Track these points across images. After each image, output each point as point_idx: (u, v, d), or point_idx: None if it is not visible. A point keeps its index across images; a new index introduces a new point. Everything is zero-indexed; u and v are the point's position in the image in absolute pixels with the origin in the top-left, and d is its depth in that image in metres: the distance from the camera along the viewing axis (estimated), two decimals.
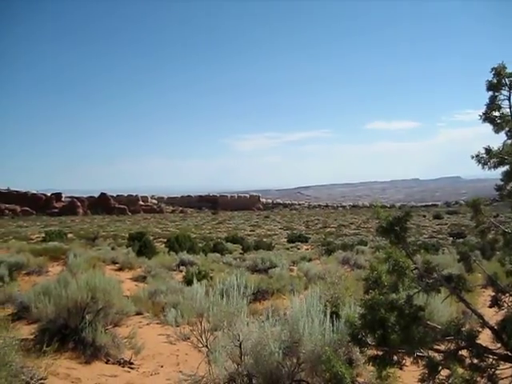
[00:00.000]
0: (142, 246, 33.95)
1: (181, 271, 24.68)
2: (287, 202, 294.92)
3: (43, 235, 58.06)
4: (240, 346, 5.99)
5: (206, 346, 6.43)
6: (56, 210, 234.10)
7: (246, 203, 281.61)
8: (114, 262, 26.24)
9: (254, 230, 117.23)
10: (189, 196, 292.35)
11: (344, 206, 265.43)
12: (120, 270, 24.34)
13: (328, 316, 6.00)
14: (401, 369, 5.62)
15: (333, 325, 5.97)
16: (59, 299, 8.31)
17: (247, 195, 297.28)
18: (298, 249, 61.79)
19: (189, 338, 10.16)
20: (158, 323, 12.51)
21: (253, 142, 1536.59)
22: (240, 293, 6.42)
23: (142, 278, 21.72)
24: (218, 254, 40.23)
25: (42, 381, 6.41)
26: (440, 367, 5.04)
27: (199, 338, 6.59)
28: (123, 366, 8.46)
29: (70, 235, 62.98)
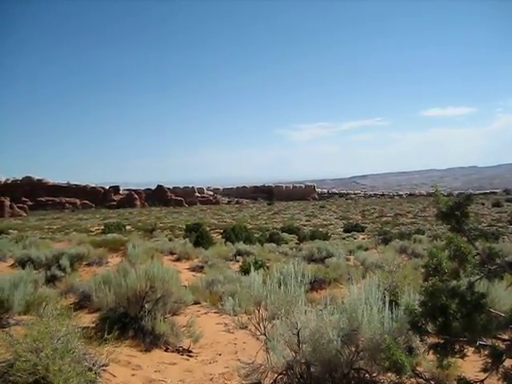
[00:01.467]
0: (198, 236, 34.25)
1: (237, 261, 24.80)
2: (343, 192, 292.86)
3: (102, 227, 59.21)
4: (298, 334, 5.97)
5: (264, 334, 6.42)
6: (114, 203, 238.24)
7: (301, 193, 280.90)
8: (172, 253, 26.55)
9: (309, 220, 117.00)
10: (244, 187, 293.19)
11: (400, 195, 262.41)
12: (177, 260, 24.62)
13: (387, 304, 5.92)
14: (462, 358, 5.48)
15: (391, 313, 5.88)
16: (119, 288, 8.44)
17: (302, 185, 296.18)
18: (355, 238, 61.38)
19: (246, 327, 10.25)
20: (215, 312, 12.61)
21: (307, 132, 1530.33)
22: (298, 281, 6.38)
23: (199, 268, 21.93)
24: (273, 244, 40.27)
25: (103, 367, 6.52)
26: (504, 356, 4.91)
27: (257, 326, 6.59)
28: (182, 354, 8.55)
29: (128, 227, 63.97)
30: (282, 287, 6.35)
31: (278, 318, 6.30)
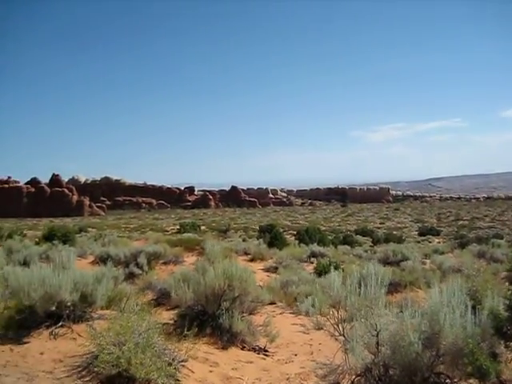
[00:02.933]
0: (272, 237, 34.33)
1: (311, 263, 24.75)
2: (417, 194, 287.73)
3: (178, 227, 60.10)
4: (377, 336, 5.90)
5: (343, 335, 6.38)
6: (189, 203, 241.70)
7: (375, 195, 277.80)
8: (246, 253, 26.76)
9: (383, 223, 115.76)
10: (318, 188, 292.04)
11: (477, 198, 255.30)
12: (252, 260, 24.78)
13: (469, 308, 5.78)
14: None
15: (474, 317, 5.74)
16: (198, 286, 8.56)
17: (376, 187, 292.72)
18: (430, 242, 60.36)
19: (322, 328, 10.21)
20: (290, 313, 12.62)
21: (381, 134, 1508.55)
22: (378, 282, 6.32)
23: (273, 269, 22.00)
24: (347, 247, 40.07)
25: (182, 363, 6.63)
26: None
27: (336, 327, 6.55)
28: (258, 353, 8.59)
29: (202, 227, 64.67)
30: (362, 288, 6.30)
31: (356, 319, 6.25)
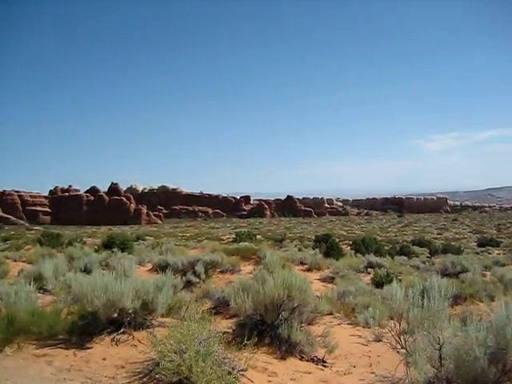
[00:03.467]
0: (328, 247, 34.17)
1: (368, 273, 24.54)
2: (476, 205, 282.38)
3: (234, 236, 60.31)
4: (440, 350, 5.80)
5: (405, 347, 6.30)
6: (245, 213, 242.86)
7: (432, 205, 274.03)
8: (303, 263, 26.67)
9: (441, 233, 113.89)
10: (374, 198, 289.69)
11: None
12: (308, 270, 24.71)
13: None
14: None
15: None
16: (257, 296, 8.57)
17: (434, 197, 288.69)
18: (489, 253, 59.09)
19: (381, 340, 10.11)
20: (348, 324, 12.51)
21: (439, 143, 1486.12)
22: (441, 295, 6.22)
23: (329, 279, 21.91)
24: (404, 257, 39.62)
25: (242, 372, 6.64)
26: None
27: (398, 339, 6.47)
28: (317, 364, 8.53)
29: (258, 236, 64.75)
30: (424, 301, 6.21)
31: (419, 332, 6.16)
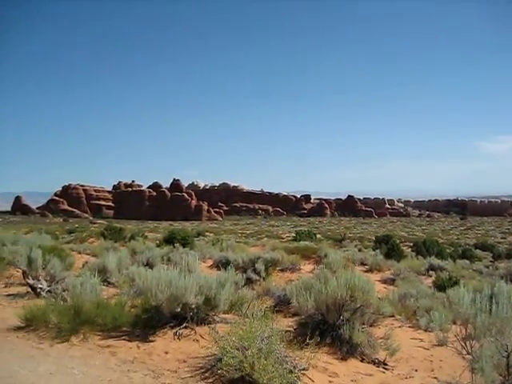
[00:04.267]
0: (389, 248, 33.77)
1: (429, 276, 24.14)
2: None
3: (293, 234, 60.25)
4: (507, 358, 5.66)
5: (471, 353, 6.16)
6: (305, 211, 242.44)
7: (496, 209, 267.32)
8: (363, 264, 26.45)
9: (505, 238, 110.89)
10: (436, 200, 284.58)
11: None
12: (369, 271, 24.47)
13: None
14: None
15: None
16: (319, 295, 8.53)
17: (498, 200, 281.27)
18: None
19: (444, 344, 9.91)
20: (409, 326, 12.31)
21: (505, 145, 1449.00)
22: (510, 301, 6.06)
23: (390, 281, 21.65)
24: (466, 261, 38.78)
25: (303, 371, 6.63)
26: None
27: (463, 344, 6.34)
28: (378, 366, 8.43)
29: (318, 235, 64.43)
30: (493, 306, 6.06)
31: (485, 338, 6.01)
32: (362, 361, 8.47)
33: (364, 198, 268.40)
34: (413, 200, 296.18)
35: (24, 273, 12.50)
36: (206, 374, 6.62)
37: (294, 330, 8.80)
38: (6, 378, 6.54)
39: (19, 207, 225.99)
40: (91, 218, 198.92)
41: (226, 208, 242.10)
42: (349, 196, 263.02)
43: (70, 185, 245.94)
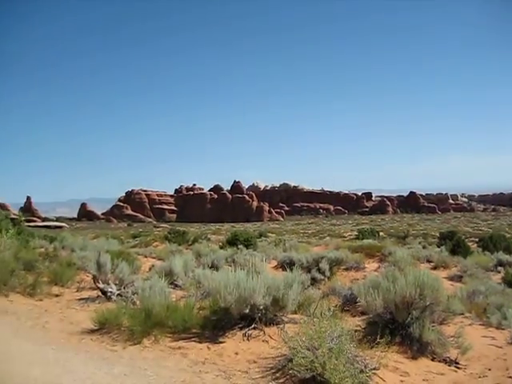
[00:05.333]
0: (454, 245, 33.17)
1: (498, 272, 23.56)
2: None
3: (356, 233, 59.89)
4: None
5: None
6: (366, 209, 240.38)
7: None
8: (429, 261, 26.08)
9: None
10: (501, 193, 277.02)
11: None
12: (434, 268, 24.08)
13: None
14: None
15: None
16: (387, 294, 8.46)
17: None
18: None
19: None
20: (480, 324, 12.07)
21: None
22: None
23: (457, 278, 21.28)
24: None
25: (374, 371, 6.59)
26: None
27: None
28: (449, 365, 8.30)
29: (380, 233, 63.82)
30: None
31: None
32: (432, 360, 8.36)
33: (426, 194, 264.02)
34: (477, 194, 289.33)
35: (94, 277, 12.84)
36: (277, 375, 6.67)
37: (363, 329, 8.76)
38: (85, 380, 6.76)
39: (85, 213, 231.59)
40: (155, 222, 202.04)
41: (287, 208, 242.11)
42: (411, 192, 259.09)
43: (133, 190, 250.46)
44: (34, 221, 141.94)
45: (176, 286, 14.28)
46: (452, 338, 8.83)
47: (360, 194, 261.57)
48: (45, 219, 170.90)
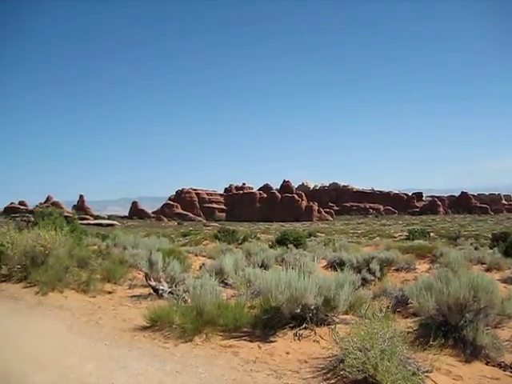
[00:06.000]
0: (508, 246, 32.46)
1: None
2: None
3: (406, 233, 59.20)
4: None
5: None
6: (417, 209, 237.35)
7: None
8: (481, 263, 25.57)
9: None
10: None
11: None
12: (487, 270, 23.57)
13: None
14: None
15: None
16: (440, 296, 8.34)
17: None
18: None
19: None
20: None
21: None
22: None
23: (510, 280, 20.80)
24: None
25: (426, 374, 6.51)
26: None
27: None
28: (504, 370, 8.12)
29: (431, 234, 62.92)
30: None
31: None
32: (486, 364, 8.20)
33: (478, 194, 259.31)
34: None
35: (146, 275, 13.01)
36: (328, 375, 6.65)
37: (414, 331, 8.65)
38: (138, 376, 6.88)
39: (136, 212, 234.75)
40: (204, 221, 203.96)
41: (336, 208, 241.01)
42: (462, 192, 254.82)
43: (183, 189, 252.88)
44: (87, 219, 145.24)
45: (226, 284, 14.35)
46: (507, 342, 8.66)
47: (410, 194, 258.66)
48: (97, 217, 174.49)
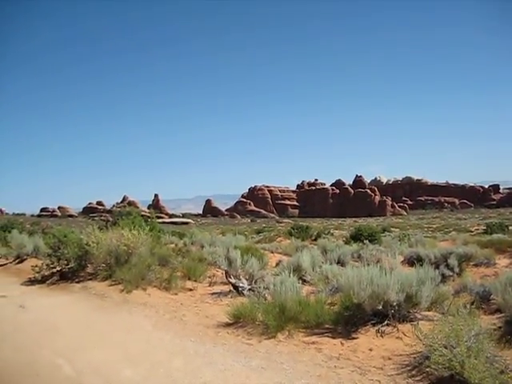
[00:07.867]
0: None
1: None
2: None
3: (483, 227, 57.76)
4: None
5: None
6: (494, 202, 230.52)
7: None
8: None
9: None
10: None
11: None
12: None
13: None
14: None
15: None
16: None
17: None
18: None
19: None
20: None
21: None
22: None
23: None
24: None
25: None
26: None
27: None
28: None
29: (510, 227, 61.14)
30: None
31: None
32: None
33: None
34: None
35: (226, 272, 13.23)
36: (413, 372, 6.64)
37: (499, 328, 8.51)
38: (224, 371, 7.07)
39: (209, 209, 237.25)
40: (277, 218, 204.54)
41: (410, 202, 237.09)
42: None
43: (255, 186, 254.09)
44: (162, 217, 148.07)
45: (304, 281, 14.39)
46: None
47: (487, 186, 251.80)
48: (172, 216, 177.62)
